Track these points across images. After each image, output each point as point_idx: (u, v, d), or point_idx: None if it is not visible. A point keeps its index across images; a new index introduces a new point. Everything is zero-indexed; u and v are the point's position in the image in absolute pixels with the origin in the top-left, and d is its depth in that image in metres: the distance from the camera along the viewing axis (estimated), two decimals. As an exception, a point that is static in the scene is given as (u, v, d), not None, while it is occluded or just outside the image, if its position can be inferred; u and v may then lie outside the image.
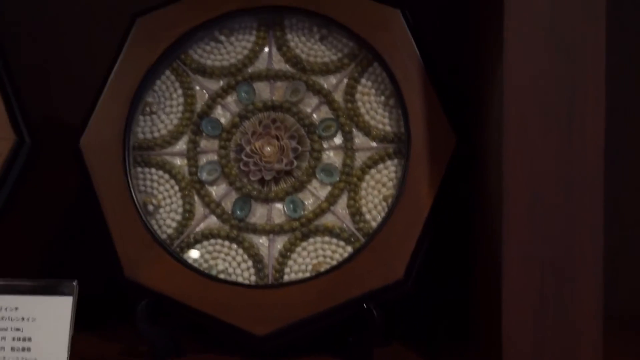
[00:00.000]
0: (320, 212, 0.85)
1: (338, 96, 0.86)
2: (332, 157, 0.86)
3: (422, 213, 0.83)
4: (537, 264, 0.68)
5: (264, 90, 0.87)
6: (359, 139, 0.86)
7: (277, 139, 0.85)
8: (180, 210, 0.86)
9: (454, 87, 0.84)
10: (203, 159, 0.86)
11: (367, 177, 0.86)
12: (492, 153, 0.73)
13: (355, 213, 0.85)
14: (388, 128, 0.86)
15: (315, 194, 0.85)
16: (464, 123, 0.83)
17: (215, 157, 0.86)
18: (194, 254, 0.85)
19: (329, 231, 0.85)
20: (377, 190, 0.85)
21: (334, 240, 0.85)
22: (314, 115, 0.86)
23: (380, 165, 0.86)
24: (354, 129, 0.86)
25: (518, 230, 0.67)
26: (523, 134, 0.66)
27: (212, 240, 0.86)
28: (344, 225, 0.85)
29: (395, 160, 0.85)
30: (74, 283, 0.72)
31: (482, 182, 0.78)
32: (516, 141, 0.67)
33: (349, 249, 0.84)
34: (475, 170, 0.83)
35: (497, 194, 0.69)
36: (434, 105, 0.83)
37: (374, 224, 0.84)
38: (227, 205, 0.86)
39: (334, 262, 0.83)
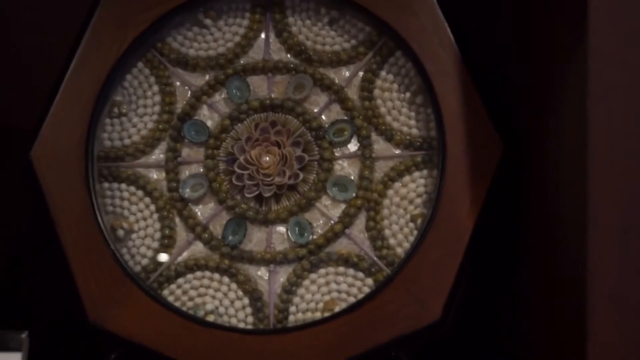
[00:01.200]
0: (332, 236, 0.74)
1: (352, 93, 0.75)
2: (346, 167, 0.75)
3: (462, 238, 0.71)
4: (631, 303, 0.56)
5: (260, 86, 0.76)
6: (379, 145, 0.75)
7: (278, 146, 0.73)
8: (157, 235, 0.74)
9: (498, 82, 0.76)
10: (185, 172, 0.75)
11: (390, 192, 0.74)
12: (564, 167, 0.63)
13: (377, 237, 0.74)
14: (415, 131, 0.75)
15: (326, 213, 0.74)
16: (512, 127, 0.73)
17: (200, 169, 0.75)
18: (175, 290, 0.74)
19: (344, 260, 0.73)
20: (403, 209, 0.74)
21: (351, 272, 0.74)
22: (323, 117, 0.76)
23: (406, 178, 0.75)
24: (372, 133, 0.75)
25: (607, 263, 0.55)
26: (614, 143, 0.55)
27: (199, 273, 0.74)
28: (363, 252, 0.74)
29: (425, 172, 0.75)
30: (23, 335, 0.61)
31: (544, 201, 0.68)
32: (607, 152, 0.55)
33: (370, 282, 0.73)
34: (530, 186, 0.73)
35: (574, 218, 0.59)
36: (475, 104, 0.72)
37: (400, 251, 0.73)
38: (217, 229, 0.74)
39: (352, 299, 0.72)
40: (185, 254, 0.75)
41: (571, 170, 0.61)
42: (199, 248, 0.74)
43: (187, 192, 0.75)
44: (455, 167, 0.72)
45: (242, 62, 0.76)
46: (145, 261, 0.75)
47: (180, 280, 0.74)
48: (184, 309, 0.72)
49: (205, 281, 0.74)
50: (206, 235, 0.74)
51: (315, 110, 0.75)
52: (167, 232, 0.75)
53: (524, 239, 0.75)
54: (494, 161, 0.71)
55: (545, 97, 0.68)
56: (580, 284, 0.57)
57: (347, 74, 0.76)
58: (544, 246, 0.68)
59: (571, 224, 0.61)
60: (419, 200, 0.74)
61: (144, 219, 0.75)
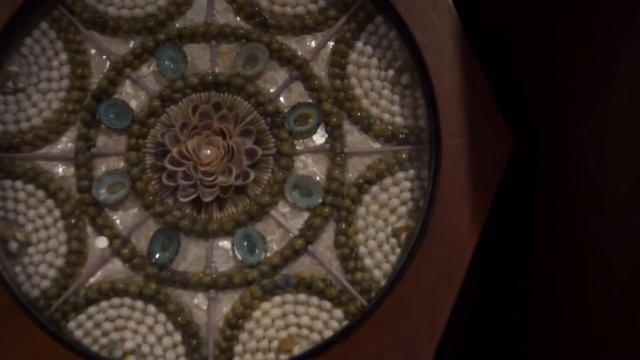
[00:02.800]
0: (291, 254, 0.64)
1: (319, 68, 0.65)
2: (310, 165, 0.65)
3: (462, 259, 0.61)
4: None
5: (200, 57, 0.66)
6: (353, 137, 0.65)
7: (223, 135, 0.63)
8: (62, 250, 0.64)
9: (509, 60, 0.66)
10: (101, 167, 0.65)
11: (367, 198, 0.64)
12: (598, 168, 0.54)
13: (349, 256, 0.63)
14: (399, 120, 0.65)
15: (283, 224, 0.64)
16: (525, 117, 0.64)
17: (121, 164, 0.65)
18: (85, 323, 0.63)
19: (307, 285, 0.63)
20: (383, 220, 0.64)
21: (315, 300, 0.63)
22: (282, 99, 0.65)
23: (388, 180, 0.64)
24: (345, 122, 0.65)
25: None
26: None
27: (116, 300, 0.63)
28: (330, 275, 0.63)
29: (412, 172, 0.64)
30: None
31: (566, 209, 0.60)
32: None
33: (339, 314, 0.63)
34: (548, 189, 0.63)
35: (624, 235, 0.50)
36: (478, 86, 0.62)
37: (378, 275, 0.63)
38: (141, 242, 0.64)
39: (316, 337, 0.62)
40: (98, 275, 0.64)
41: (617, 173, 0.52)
42: (117, 267, 0.64)
43: (102, 194, 0.64)
44: (453, 167, 0.62)
45: (177, 25, 0.66)
46: (45, 284, 0.63)
47: (92, 310, 0.63)
48: (96, 347, 0.62)
49: (125, 311, 0.63)
50: (127, 251, 0.64)
51: (272, 90, 0.65)
52: (75, 245, 0.64)
53: (543, 257, 0.66)
54: (502, 159, 0.61)
55: (579, 85, 0.59)
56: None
57: (314, 44, 0.65)
58: (568, 269, 0.60)
59: (612, 244, 0.53)
60: (403, 210, 0.64)
61: (46, 227, 0.64)
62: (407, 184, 0.65)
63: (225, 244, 0.65)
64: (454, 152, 0.62)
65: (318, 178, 0.65)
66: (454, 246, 0.61)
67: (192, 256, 0.64)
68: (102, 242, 0.64)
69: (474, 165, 0.62)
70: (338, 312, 0.63)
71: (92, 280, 0.64)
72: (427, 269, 0.61)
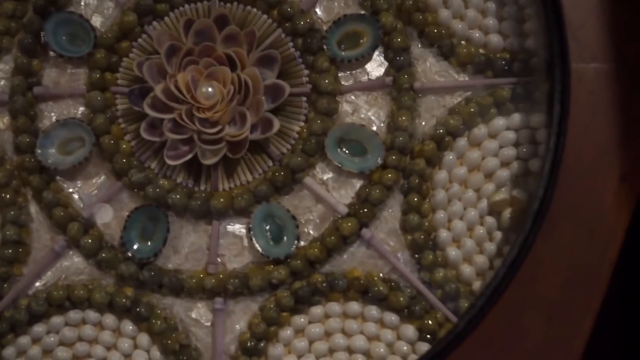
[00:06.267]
0: (338, 242, 0.52)
1: None
2: (363, 109, 0.53)
3: (607, 250, 0.49)
4: None
5: None
6: (428, 66, 0.53)
7: (232, 66, 0.51)
8: None
9: None
10: (50, 116, 0.54)
11: (450, 157, 0.52)
12: None
13: (424, 245, 0.51)
14: (496, 40, 0.52)
15: (325, 198, 0.53)
16: None
17: (79, 111, 0.54)
18: (29, 348, 0.53)
19: (361, 289, 0.52)
20: (475, 190, 0.52)
21: (374, 312, 0.51)
22: (318, 10, 0.54)
23: (481, 130, 0.52)
24: (414, 43, 0.53)
25: None
26: None
27: (74, 315, 0.52)
28: (397, 274, 0.52)
29: (517, 118, 0.52)
30: None
31: None
32: None
33: (410, 333, 0.50)
34: None
35: None
36: None
37: (470, 274, 0.50)
38: (111, 227, 0.53)
39: None
40: (48, 277, 0.54)
41: None
42: (75, 265, 0.54)
43: (51, 155, 0.54)
44: (587, 108, 0.51)
45: None
46: (-30, 289, 0.55)
47: (39, 330, 0.54)
48: (45, 384, 0.55)
49: (88, 330, 0.53)
50: (89, 241, 0.53)
51: None
52: (11, 232, 0.53)
53: None
54: None
55: None
56: None
57: None
58: None
59: None
60: (505, 174, 0.52)
61: (-31, 205, 0.55)
62: (511, 136, 0.52)
63: (237, 228, 0.53)
64: (589, 84, 0.50)
65: (375, 128, 0.54)
66: (594, 230, 0.51)
67: (187, 247, 0.54)
68: (106, 214, 0.54)
69: (623, 105, 0.50)
70: (409, 330, 0.51)
71: (38, 284, 0.54)
72: (551, 267, 0.51)
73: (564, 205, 0.49)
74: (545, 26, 0.49)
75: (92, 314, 0.51)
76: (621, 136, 0.49)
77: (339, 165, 0.52)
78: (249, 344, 0.51)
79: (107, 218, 0.55)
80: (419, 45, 0.53)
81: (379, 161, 0.52)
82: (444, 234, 0.51)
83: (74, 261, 0.53)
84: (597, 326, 0.51)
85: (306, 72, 0.53)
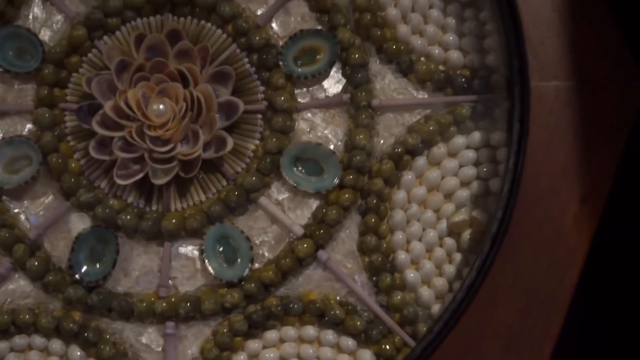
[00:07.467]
0: (293, 264, 0.50)
1: None
2: (320, 127, 0.52)
3: (567, 273, 0.48)
4: None
5: None
6: (387, 84, 0.52)
7: (184, 81, 0.50)
8: None
9: None
10: None
11: (408, 177, 0.51)
12: None
13: (381, 268, 0.50)
14: (456, 56, 0.52)
15: (280, 219, 0.51)
16: None
17: (26, 128, 0.52)
18: None
19: (317, 313, 0.50)
20: (434, 211, 0.51)
21: (330, 337, 0.50)
22: (274, 25, 0.53)
23: (440, 149, 0.51)
24: (372, 59, 0.52)
25: None
26: None
27: (20, 340, 0.51)
28: (354, 297, 0.50)
29: (477, 136, 0.51)
30: None
31: None
32: None
33: (368, 356, 0.49)
34: None
35: None
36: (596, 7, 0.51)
37: (428, 297, 0.49)
38: (59, 248, 0.52)
39: None
40: None
41: None
42: (20, 288, 0.52)
43: None
44: (548, 126, 0.50)
45: None
46: None
47: None
48: (-15, 420, 0.53)
49: (34, 357, 0.51)
50: (36, 263, 0.51)
51: (260, 11, 0.54)
52: None
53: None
54: (629, 114, 0.49)
55: None
56: None
57: (324, -64, 0.55)
58: None
59: None
60: (464, 194, 0.51)
61: None
62: (471, 154, 0.51)
63: (190, 249, 0.52)
64: (549, 103, 0.50)
65: (333, 146, 0.52)
66: (554, 253, 0.49)
67: (138, 270, 0.52)
68: (80, 222, 0.53)
69: (584, 124, 0.49)
70: (366, 355, 0.50)
71: (-22, 309, 0.51)
72: (510, 291, 0.49)
73: (523, 228, 0.48)
74: (505, 43, 0.47)
75: (38, 339, 0.50)
76: (581, 156, 0.48)
77: (295, 185, 0.50)
78: (201, 371, 0.48)
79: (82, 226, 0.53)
80: (378, 62, 0.52)
81: (336, 181, 0.50)
82: (402, 256, 0.50)
83: (20, 284, 0.52)
84: (556, 352, 0.48)
85: (262, 88, 0.51)
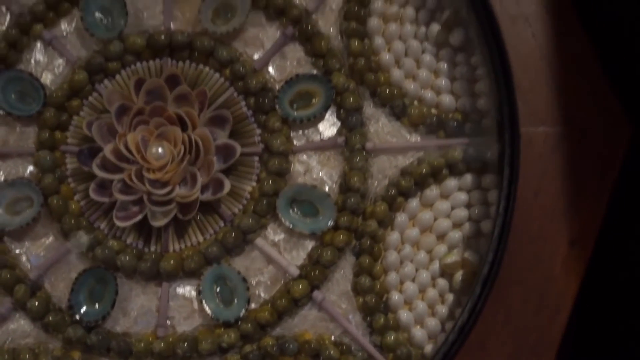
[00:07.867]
0: (289, 304, 0.51)
1: (327, 23, 0.53)
2: (315, 169, 0.52)
3: (557, 315, 0.48)
4: None
5: (149, 7, 0.54)
6: (380, 127, 0.52)
7: (183, 125, 0.50)
8: None
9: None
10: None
11: (402, 218, 0.51)
12: None
13: (375, 308, 0.50)
14: (448, 100, 0.52)
15: (276, 260, 0.52)
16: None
17: (28, 170, 0.52)
18: None
19: (312, 353, 0.50)
20: (427, 252, 0.51)
21: None
22: (271, 69, 0.53)
23: (432, 191, 0.51)
24: (366, 103, 0.52)
25: None
26: None
27: None
28: (348, 337, 0.50)
29: (469, 178, 0.51)
30: None
31: None
32: None
33: None
34: None
35: None
36: (579, 47, 0.50)
37: (421, 338, 0.50)
38: (59, 289, 0.52)
39: None
40: None
41: None
42: (21, 328, 0.52)
43: None
44: (537, 170, 0.50)
45: (113, -41, 0.55)
46: None
47: None
48: None
49: None
50: (36, 303, 0.51)
51: (257, 56, 0.54)
52: None
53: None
54: (615, 158, 0.50)
55: None
56: None
57: (319, -14, 0.55)
58: None
59: None
60: (457, 236, 0.51)
61: None
62: (463, 197, 0.52)
63: (187, 290, 0.52)
64: (539, 147, 0.50)
65: (327, 188, 0.52)
66: (544, 296, 0.49)
67: (136, 310, 0.52)
68: (81, 239, 0.52)
69: (572, 169, 0.50)
70: None
71: (-21, 350, 0.51)
72: (500, 333, 0.49)
73: (514, 270, 0.48)
74: (496, 88, 0.48)
75: (38, 380, 0.48)
76: (570, 201, 0.49)
77: (291, 226, 0.50)
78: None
79: (82, 241, 0.53)
80: (371, 105, 0.52)
81: (331, 222, 0.50)
82: (395, 297, 0.50)
83: (20, 324, 0.51)
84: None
85: (258, 131, 0.52)
